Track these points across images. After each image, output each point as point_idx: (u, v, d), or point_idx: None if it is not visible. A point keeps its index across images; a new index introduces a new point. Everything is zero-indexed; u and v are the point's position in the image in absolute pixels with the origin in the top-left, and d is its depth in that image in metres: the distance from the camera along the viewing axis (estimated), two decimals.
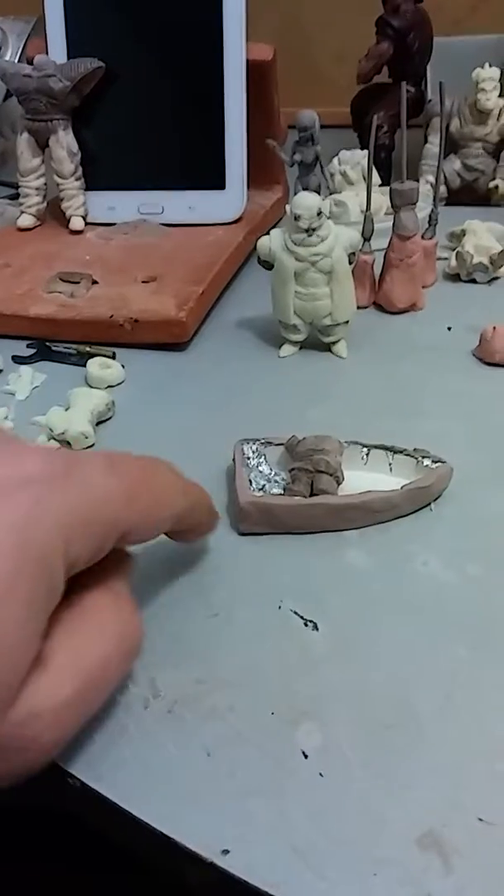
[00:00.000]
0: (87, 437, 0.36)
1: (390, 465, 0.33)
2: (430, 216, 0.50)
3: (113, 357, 0.43)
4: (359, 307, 0.46)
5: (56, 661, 0.20)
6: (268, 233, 0.43)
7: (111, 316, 0.44)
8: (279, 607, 0.27)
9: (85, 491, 0.21)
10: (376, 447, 0.33)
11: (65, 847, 0.31)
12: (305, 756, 0.22)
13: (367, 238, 0.48)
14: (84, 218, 0.56)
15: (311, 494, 0.31)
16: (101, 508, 0.21)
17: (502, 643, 0.26)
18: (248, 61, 0.52)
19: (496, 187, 0.66)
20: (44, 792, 0.24)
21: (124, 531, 0.22)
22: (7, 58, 0.78)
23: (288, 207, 0.41)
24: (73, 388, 0.39)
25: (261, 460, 0.33)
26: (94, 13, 0.54)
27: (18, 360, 0.44)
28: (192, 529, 0.28)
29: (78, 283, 0.46)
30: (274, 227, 0.57)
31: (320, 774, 0.22)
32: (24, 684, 0.19)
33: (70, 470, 0.21)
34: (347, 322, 0.44)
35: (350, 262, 0.42)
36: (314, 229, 0.40)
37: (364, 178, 0.59)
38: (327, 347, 0.45)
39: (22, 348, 0.45)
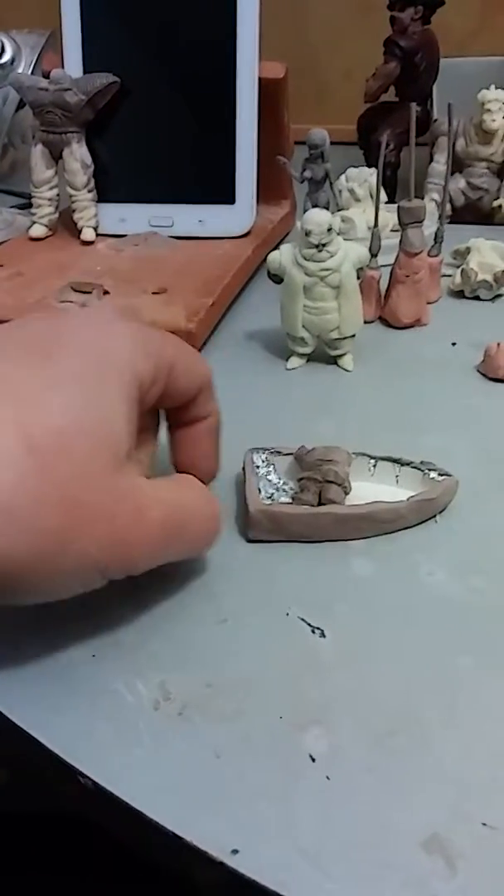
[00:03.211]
0: None
1: (397, 476, 0.33)
2: (435, 234, 0.51)
3: None
4: (365, 322, 0.47)
5: (159, 482, 0.26)
6: (278, 247, 0.44)
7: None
8: (287, 614, 0.28)
9: (139, 325, 0.26)
10: (383, 459, 0.34)
11: (73, 854, 0.31)
12: (313, 760, 0.23)
13: (373, 254, 0.48)
14: (95, 229, 0.57)
15: (319, 504, 0.31)
16: (153, 338, 0.26)
17: None
18: (260, 79, 0.53)
19: (500, 206, 0.67)
20: (54, 794, 0.24)
21: (170, 363, 0.26)
22: (20, 70, 0.79)
23: (299, 223, 0.41)
24: None
25: (270, 469, 0.34)
26: (110, 29, 0.55)
27: None
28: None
29: (90, 293, 0.47)
30: (282, 241, 0.59)
31: (327, 778, 0.22)
32: (129, 468, 0.24)
33: (122, 316, 0.27)
34: (354, 336, 0.44)
35: (357, 278, 0.43)
36: (324, 245, 0.41)
37: (371, 196, 0.60)
38: (334, 360, 0.45)
39: None
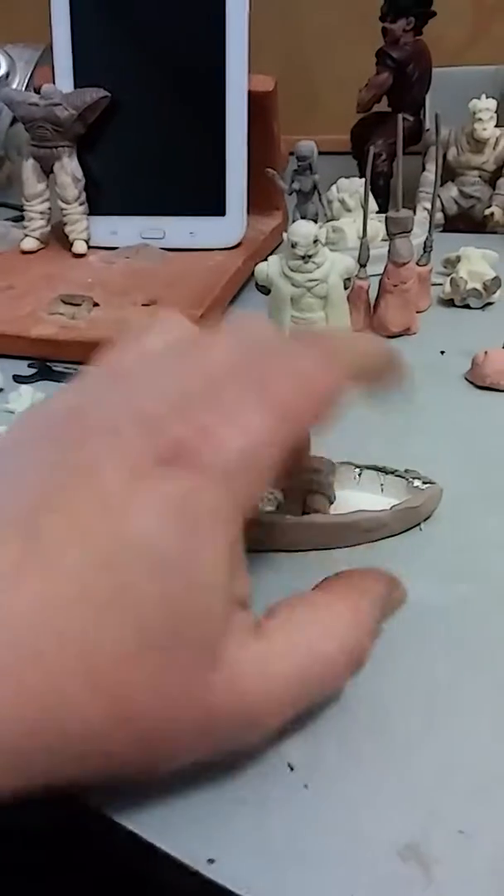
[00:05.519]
0: None
1: (382, 485, 0.34)
2: (425, 243, 0.51)
3: None
4: (354, 331, 0.47)
5: (274, 637, 0.20)
6: (266, 259, 0.44)
7: (112, 338, 0.45)
8: None
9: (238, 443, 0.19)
10: (368, 468, 0.34)
11: (47, 863, 0.31)
12: (291, 768, 0.23)
13: (362, 264, 0.49)
14: (87, 242, 0.57)
15: (303, 513, 0.31)
16: (258, 452, 0.19)
17: (485, 661, 0.26)
18: (249, 92, 0.54)
19: (492, 214, 0.67)
20: (26, 805, 0.24)
21: (281, 451, 0.20)
22: (15, 84, 0.80)
23: (285, 235, 0.42)
24: None
25: None
26: (100, 43, 0.55)
27: (19, 379, 0.45)
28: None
29: (79, 305, 0.47)
30: (272, 252, 0.59)
31: (305, 787, 0.22)
32: (227, 646, 0.19)
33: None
34: None
35: (346, 288, 0.43)
36: (310, 256, 0.41)
37: (362, 206, 0.61)
38: None
39: (23, 368, 0.46)
